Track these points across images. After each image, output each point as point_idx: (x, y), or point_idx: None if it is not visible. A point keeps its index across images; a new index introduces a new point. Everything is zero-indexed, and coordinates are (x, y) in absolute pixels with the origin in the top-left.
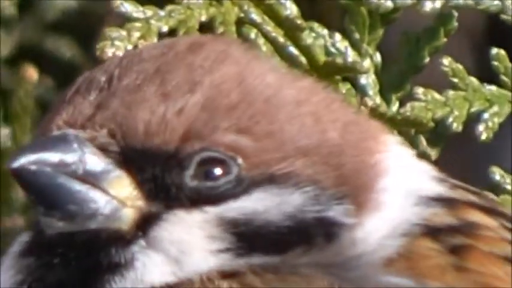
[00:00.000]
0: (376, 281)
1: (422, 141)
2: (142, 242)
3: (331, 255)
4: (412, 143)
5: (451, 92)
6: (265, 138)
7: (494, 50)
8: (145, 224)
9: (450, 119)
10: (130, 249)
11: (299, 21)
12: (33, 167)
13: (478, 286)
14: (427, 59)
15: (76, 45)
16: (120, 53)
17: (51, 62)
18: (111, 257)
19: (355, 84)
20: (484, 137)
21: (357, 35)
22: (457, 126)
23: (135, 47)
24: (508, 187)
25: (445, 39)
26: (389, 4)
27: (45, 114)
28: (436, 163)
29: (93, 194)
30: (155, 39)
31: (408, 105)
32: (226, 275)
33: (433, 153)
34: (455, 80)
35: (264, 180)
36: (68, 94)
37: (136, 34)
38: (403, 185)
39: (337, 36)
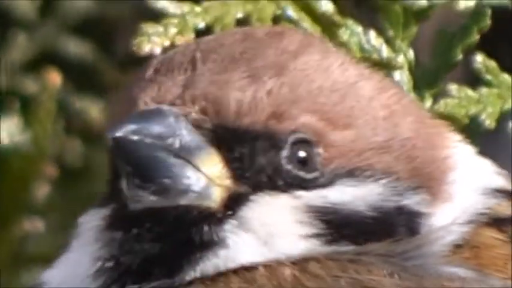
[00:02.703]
0: (437, 271)
1: None
2: (233, 222)
3: (405, 245)
4: None
5: (484, 89)
6: (344, 130)
7: None
8: (233, 203)
9: (483, 116)
10: (222, 228)
11: (336, 18)
12: (135, 137)
13: None
14: (460, 56)
15: (95, 48)
16: (157, 49)
17: (69, 65)
18: (202, 235)
19: None
20: None
21: (391, 32)
22: (490, 123)
23: (172, 43)
24: None
25: (477, 37)
26: (424, 2)
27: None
28: None
29: (187, 170)
30: (192, 35)
31: (442, 102)
32: (292, 261)
33: None
34: (489, 77)
35: (343, 172)
36: (146, 75)
37: (173, 30)
38: (470, 178)
39: (372, 33)
